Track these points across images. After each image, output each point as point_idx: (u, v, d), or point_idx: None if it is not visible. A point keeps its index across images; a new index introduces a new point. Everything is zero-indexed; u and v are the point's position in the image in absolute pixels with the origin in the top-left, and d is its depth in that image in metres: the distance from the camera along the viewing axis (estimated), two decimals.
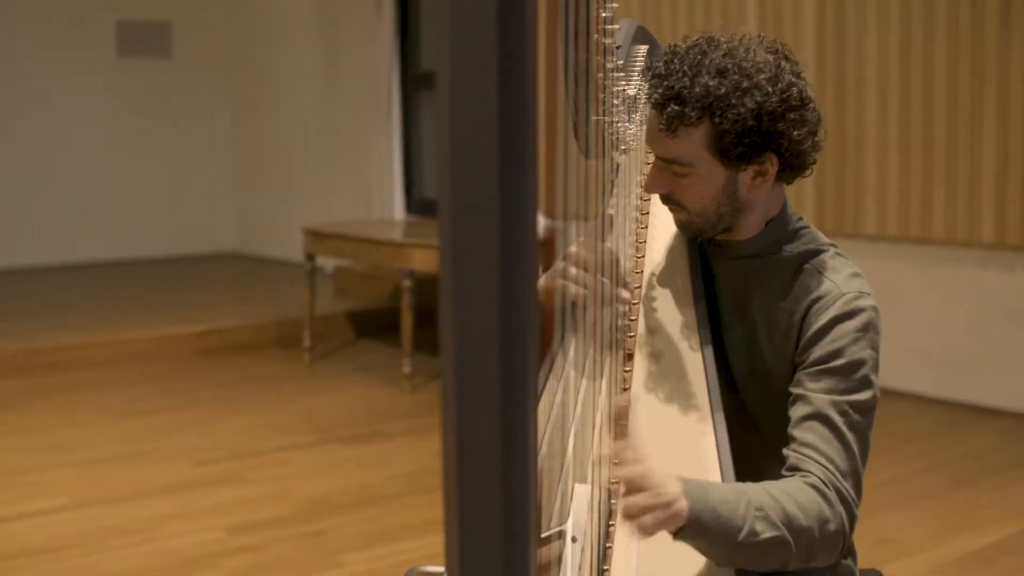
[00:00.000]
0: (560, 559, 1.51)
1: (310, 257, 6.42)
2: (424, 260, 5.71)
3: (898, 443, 4.71)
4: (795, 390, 1.68)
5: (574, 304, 1.71)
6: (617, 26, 1.72)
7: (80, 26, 9.27)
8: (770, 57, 1.69)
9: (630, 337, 1.83)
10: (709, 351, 1.77)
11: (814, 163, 1.75)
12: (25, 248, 9.15)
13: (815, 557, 1.57)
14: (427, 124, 8.33)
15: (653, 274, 1.91)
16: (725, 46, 1.69)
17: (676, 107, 1.67)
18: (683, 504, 1.44)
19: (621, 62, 1.83)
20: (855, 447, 1.61)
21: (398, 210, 8.27)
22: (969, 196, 5.20)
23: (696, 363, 1.76)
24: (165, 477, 4.42)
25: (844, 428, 1.61)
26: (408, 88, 8.32)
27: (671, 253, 1.92)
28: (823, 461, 1.59)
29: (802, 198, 5.68)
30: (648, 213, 2.05)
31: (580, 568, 1.51)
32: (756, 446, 1.81)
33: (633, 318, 1.86)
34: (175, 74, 9.76)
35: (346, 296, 7.75)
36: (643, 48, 1.97)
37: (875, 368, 1.68)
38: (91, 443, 4.91)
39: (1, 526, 3.91)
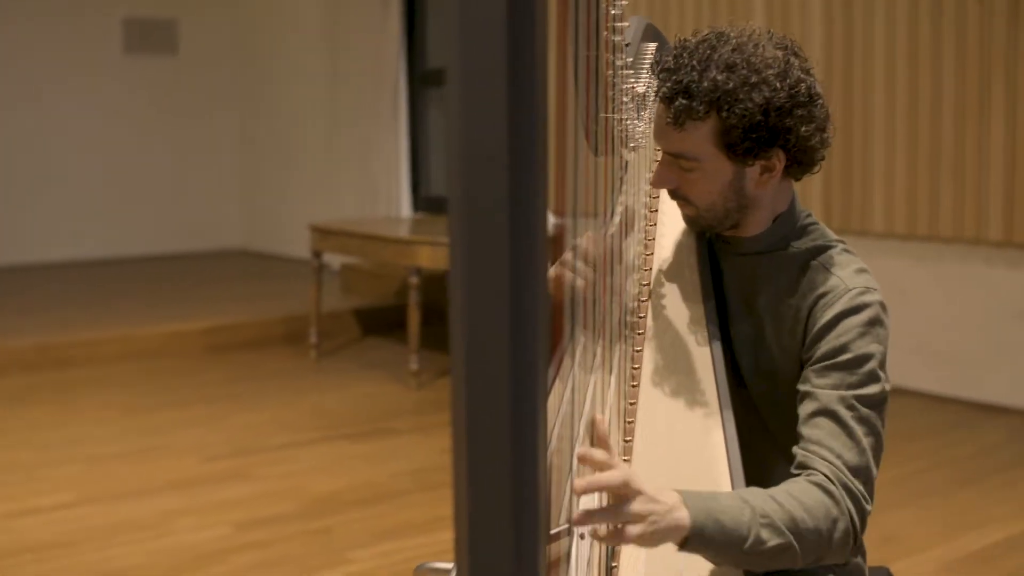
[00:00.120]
0: (569, 555, 1.51)
1: (317, 254, 6.43)
2: (431, 257, 5.71)
3: (904, 441, 4.71)
4: (802, 387, 1.68)
5: (582, 296, 1.71)
6: (626, 23, 1.72)
7: (86, 23, 9.29)
8: (779, 53, 1.69)
9: (639, 333, 1.83)
10: (718, 347, 1.77)
11: (822, 159, 1.75)
12: (32, 245, 9.17)
13: (825, 556, 1.56)
14: (434, 121, 8.33)
15: (662, 270, 1.91)
16: (734, 41, 1.69)
17: (684, 101, 1.67)
18: (683, 513, 1.42)
19: (630, 59, 1.83)
20: (864, 441, 1.60)
21: (405, 207, 8.27)
22: (977, 194, 5.19)
23: (705, 359, 1.76)
24: (172, 473, 4.43)
25: (852, 423, 1.60)
26: (415, 85, 8.32)
27: (680, 249, 1.92)
28: (830, 457, 1.58)
29: (809, 195, 5.68)
30: (657, 210, 2.05)
31: (588, 564, 1.51)
32: (763, 442, 1.81)
33: (642, 315, 1.86)
34: (181, 71, 9.77)
35: (353, 293, 7.76)
36: (652, 45, 1.97)
37: (882, 363, 1.67)
38: (98, 439, 4.92)
39: (9, 522, 3.92)
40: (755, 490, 1.53)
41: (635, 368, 1.79)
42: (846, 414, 1.61)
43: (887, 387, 1.66)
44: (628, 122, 1.83)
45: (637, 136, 1.91)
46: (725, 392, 1.71)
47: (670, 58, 1.72)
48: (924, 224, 5.40)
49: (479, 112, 0.63)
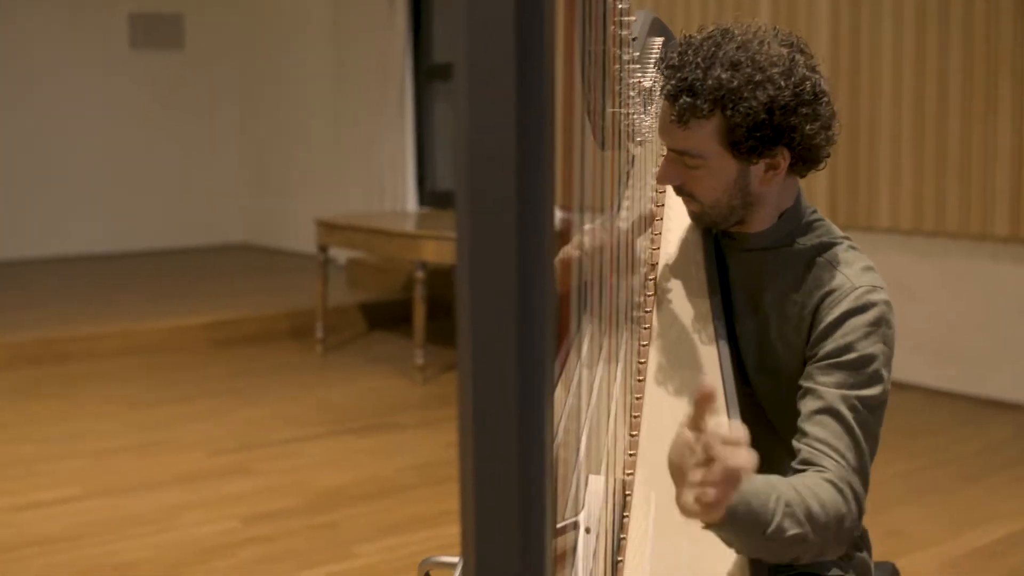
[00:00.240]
0: (575, 549, 1.51)
1: (323, 248, 6.43)
2: (437, 252, 5.71)
3: (909, 437, 4.71)
4: (805, 383, 1.68)
5: (590, 284, 1.71)
6: (633, 18, 1.71)
7: (93, 18, 9.29)
8: (784, 50, 1.68)
9: (645, 328, 1.83)
10: (724, 344, 1.76)
11: (828, 156, 1.75)
12: (36, 239, 9.18)
13: (826, 551, 1.57)
14: (439, 116, 8.33)
15: (668, 265, 1.91)
16: (739, 39, 1.68)
17: (688, 99, 1.67)
18: None
19: (637, 54, 1.83)
20: (864, 443, 1.61)
21: (411, 202, 8.27)
22: (983, 189, 5.18)
23: (711, 356, 1.76)
24: (178, 467, 4.44)
25: (854, 424, 1.61)
26: (420, 80, 8.31)
27: (686, 245, 1.92)
28: (836, 457, 1.59)
29: (815, 191, 5.67)
30: (663, 205, 2.04)
31: (594, 558, 1.51)
32: (766, 438, 1.81)
33: (648, 309, 1.86)
34: (187, 66, 9.77)
35: (358, 288, 7.76)
36: (659, 40, 1.96)
37: (887, 363, 1.67)
38: (103, 433, 4.92)
39: (14, 515, 3.93)
40: (778, 478, 1.53)
41: (641, 362, 1.79)
42: (849, 415, 1.61)
43: (888, 388, 1.67)
44: (635, 116, 1.83)
45: (644, 131, 1.91)
46: (731, 389, 1.71)
47: (675, 55, 1.72)
48: (930, 220, 5.39)
49: (487, 107, 0.63)
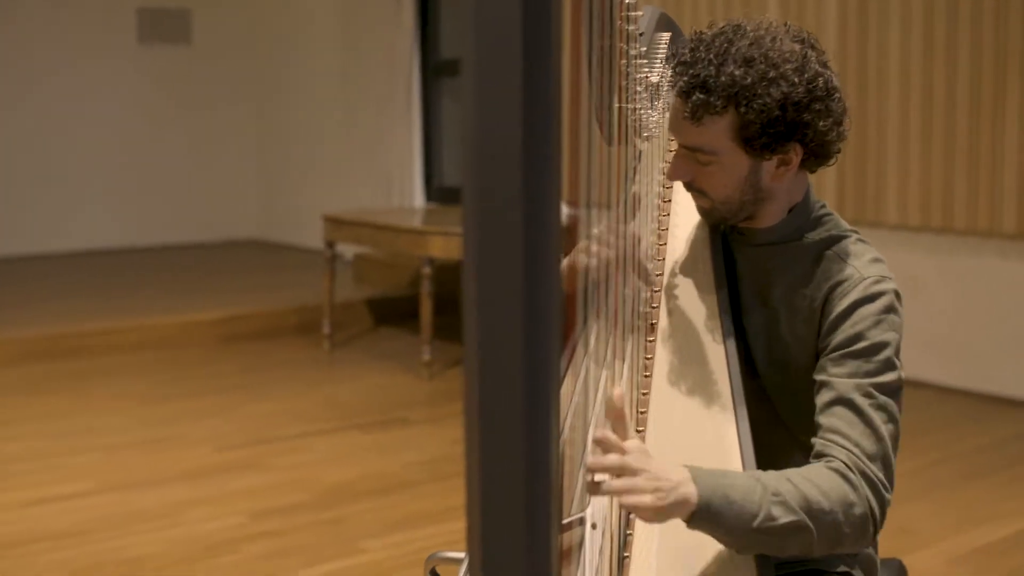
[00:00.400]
0: (580, 546, 1.51)
1: (330, 244, 6.43)
2: (444, 247, 5.71)
3: (916, 434, 4.70)
4: (819, 376, 1.68)
5: (596, 285, 1.71)
6: (640, 13, 1.71)
7: (101, 13, 9.30)
8: (796, 46, 1.68)
9: (652, 324, 1.83)
10: (732, 340, 1.76)
11: (838, 152, 1.75)
12: (45, 235, 9.19)
13: (842, 542, 1.55)
14: (447, 112, 8.32)
15: (675, 261, 1.91)
16: (751, 35, 1.68)
17: (701, 96, 1.67)
18: (691, 489, 1.43)
19: (644, 49, 1.83)
20: (882, 429, 1.60)
21: (418, 197, 8.28)
22: (991, 186, 5.17)
23: (718, 353, 1.76)
24: (187, 463, 4.44)
25: (870, 411, 1.60)
26: (428, 76, 8.31)
27: (693, 240, 1.92)
28: (848, 445, 1.58)
29: (823, 187, 5.67)
30: (670, 200, 2.04)
31: (600, 555, 1.51)
32: (776, 433, 1.81)
33: (655, 305, 1.86)
34: (195, 61, 9.78)
35: (366, 283, 7.77)
36: (666, 35, 1.96)
37: (897, 351, 1.67)
38: (113, 428, 4.93)
39: (25, 510, 3.94)
40: (769, 471, 1.54)
41: (648, 359, 1.79)
42: (863, 402, 1.61)
43: (902, 375, 1.66)
44: (642, 112, 1.83)
45: (650, 126, 1.91)
46: (739, 385, 1.71)
47: (686, 51, 1.71)
48: (937, 216, 5.38)
49: (494, 104, 0.63)
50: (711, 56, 1.67)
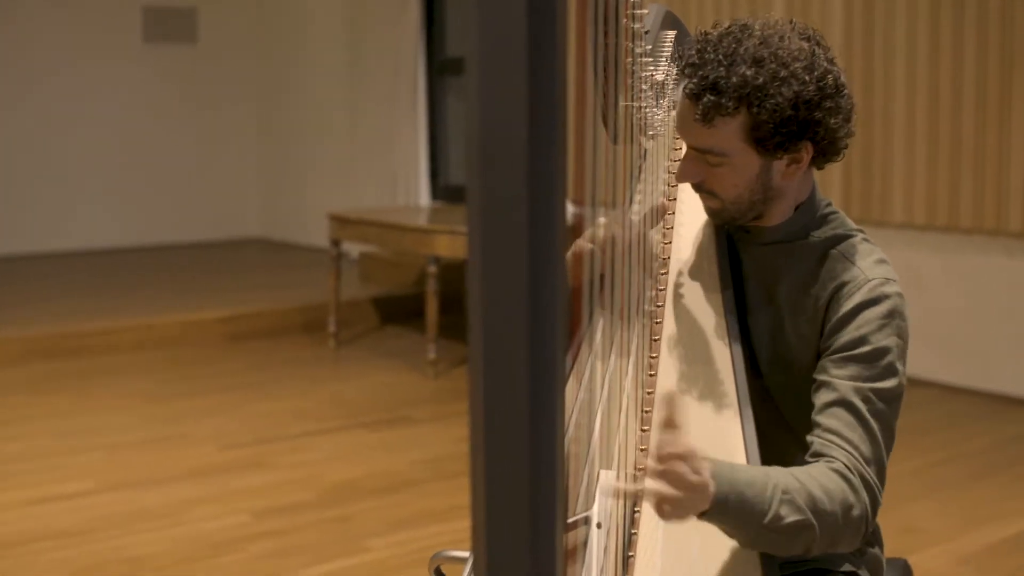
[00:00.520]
0: (585, 545, 1.51)
1: (336, 243, 6.44)
2: (449, 246, 5.71)
3: (922, 433, 4.70)
4: (819, 376, 1.68)
5: (601, 277, 1.71)
6: (645, 11, 1.71)
7: (106, 11, 9.31)
8: (804, 44, 1.68)
9: (657, 323, 1.83)
10: (737, 339, 1.76)
11: (846, 148, 1.74)
12: (50, 234, 9.20)
13: (838, 542, 1.56)
14: (453, 110, 8.32)
15: (680, 260, 1.90)
16: (759, 34, 1.67)
17: (712, 97, 1.66)
18: (711, 485, 1.44)
19: (649, 47, 1.82)
20: (879, 435, 1.61)
21: (423, 196, 8.28)
22: (997, 185, 5.16)
23: (723, 352, 1.75)
24: (191, 461, 4.45)
25: (868, 415, 1.61)
26: (433, 74, 8.31)
27: (699, 239, 1.91)
28: (847, 447, 1.58)
29: (829, 185, 5.66)
30: (676, 199, 2.04)
31: (605, 554, 1.51)
32: (780, 432, 1.81)
33: (660, 304, 1.86)
34: (201, 60, 9.78)
35: (371, 282, 7.77)
36: (671, 33, 1.96)
37: (901, 356, 1.67)
38: (118, 427, 4.94)
39: (28, 509, 3.94)
40: (777, 468, 1.54)
41: (653, 357, 1.79)
42: (862, 407, 1.61)
43: (903, 380, 1.66)
44: (647, 110, 1.82)
45: (656, 124, 1.91)
46: (744, 386, 1.71)
47: (694, 52, 1.70)
48: (944, 215, 5.37)
49: (498, 102, 0.63)
50: (720, 57, 1.66)
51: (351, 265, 7.88)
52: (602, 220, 1.74)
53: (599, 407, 1.71)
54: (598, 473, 1.59)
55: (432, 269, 5.71)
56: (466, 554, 1.90)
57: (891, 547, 2.00)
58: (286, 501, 4.01)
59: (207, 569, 3.47)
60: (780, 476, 1.51)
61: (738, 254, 1.86)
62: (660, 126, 1.94)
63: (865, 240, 1.78)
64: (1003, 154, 5.13)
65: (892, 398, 1.64)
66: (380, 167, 8.55)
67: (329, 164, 9.25)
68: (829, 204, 1.82)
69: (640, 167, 2.04)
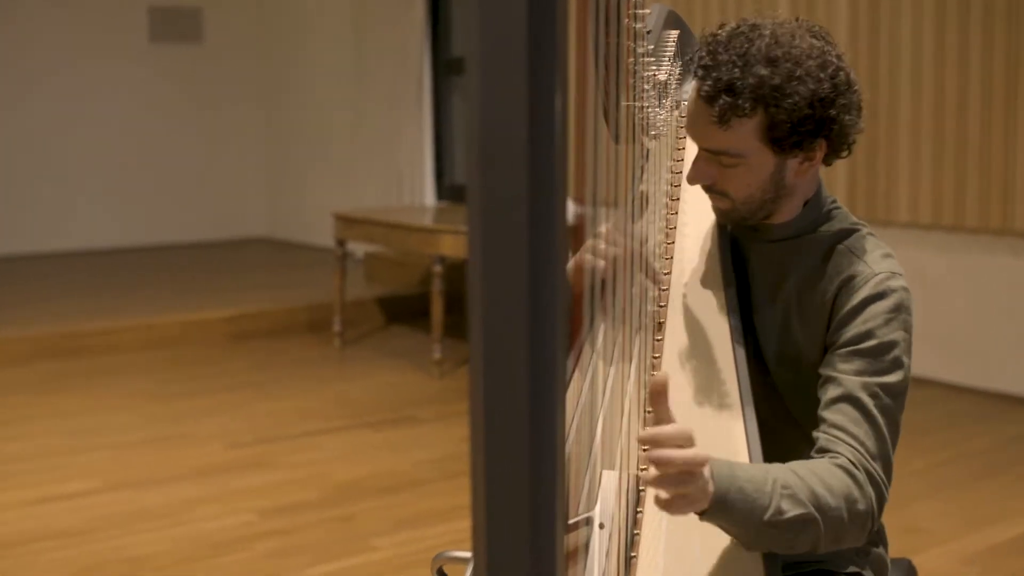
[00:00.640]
0: (588, 546, 1.51)
1: (341, 242, 6.44)
2: (455, 246, 5.71)
3: (926, 433, 4.69)
4: (825, 371, 1.67)
5: (603, 283, 1.70)
6: (648, 10, 1.70)
7: (112, 11, 9.32)
8: (815, 42, 1.67)
9: (659, 323, 1.83)
10: (740, 340, 1.76)
11: (854, 143, 1.74)
12: (56, 233, 9.21)
13: (843, 538, 1.55)
14: (458, 110, 8.32)
15: (684, 260, 1.90)
16: (770, 33, 1.67)
17: (728, 99, 1.65)
18: (710, 481, 1.43)
19: (652, 47, 1.82)
20: (885, 430, 1.60)
21: (429, 196, 8.28)
22: (1003, 184, 5.15)
23: (727, 353, 1.75)
24: (196, 461, 4.45)
25: (874, 410, 1.60)
26: (439, 74, 8.31)
27: (702, 239, 1.91)
28: (853, 443, 1.58)
29: (834, 184, 5.65)
30: (679, 199, 2.04)
31: (607, 555, 1.51)
32: (787, 429, 1.81)
33: (663, 304, 1.85)
34: (206, 60, 9.79)
35: (376, 282, 7.77)
36: (674, 33, 1.95)
37: (907, 350, 1.67)
38: (122, 427, 4.94)
39: (32, 508, 3.95)
40: (777, 464, 1.53)
41: (655, 357, 1.78)
42: (869, 402, 1.61)
43: (909, 375, 1.66)
44: (649, 110, 1.82)
45: (658, 124, 1.90)
46: (747, 386, 1.70)
47: (705, 54, 1.70)
48: (949, 214, 5.36)
49: (498, 101, 0.63)
50: (734, 57, 1.65)
51: (356, 265, 7.89)
52: (603, 229, 1.74)
53: (601, 408, 1.71)
54: (600, 474, 1.59)
55: (437, 269, 5.72)
56: (469, 554, 1.90)
57: (894, 547, 1.99)
58: (290, 501, 4.02)
59: (210, 569, 3.47)
60: (780, 472, 1.51)
61: (742, 253, 1.86)
62: (662, 126, 1.94)
63: (870, 234, 1.78)
64: (1009, 153, 5.12)
65: (898, 392, 1.64)
66: (385, 167, 8.56)
67: (334, 164, 9.26)
68: (834, 200, 1.82)
69: (642, 167, 2.03)
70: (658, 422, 1.41)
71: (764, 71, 1.63)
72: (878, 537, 1.88)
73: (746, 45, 1.66)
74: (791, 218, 1.78)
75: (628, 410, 1.71)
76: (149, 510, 3.92)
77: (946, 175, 5.35)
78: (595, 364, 1.76)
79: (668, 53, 1.90)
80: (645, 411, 1.72)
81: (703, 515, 1.45)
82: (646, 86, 1.76)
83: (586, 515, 1.53)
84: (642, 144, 1.92)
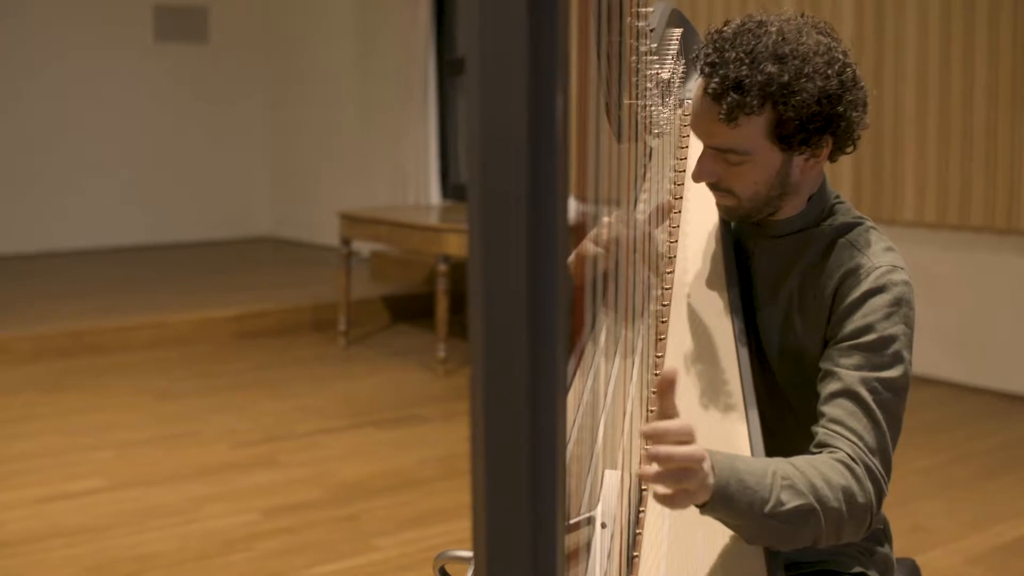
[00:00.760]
0: (589, 545, 1.51)
1: (346, 241, 6.44)
2: (459, 245, 5.71)
3: (932, 432, 4.68)
4: (825, 365, 1.67)
5: (605, 276, 1.70)
6: (651, 8, 1.70)
7: (118, 10, 9.33)
8: (821, 38, 1.67)
9: (662, 322, 1.83)
10: (743, 339, 1.75)
11: (859, 139, 1.74)
12: (63, 232, 9.23)
13: (843, 532, 1.55)
14: (463, 109, 8.32)
15: (687, 259, 1.90)
16: (776, 30, 1.66)
17: (736, 96, 1.64)
18: (710, 475, 1.43)
19: (655, 45, 1.82)
20: (884, 425, 1.60)
21: (434, 195, 8.28)
22: (1009, 183, 5.14)
23: (729, 352, 1.75)
24: (202, 459, 4.45)
25: (873, 405, 1.60)
26: (444, 73, 8.31)
27: (705, 238, 1.91)
28: (852, 437, 1.58)
29: (840, 182, 5.65)
30: (681, 197, 2.03)
31: (609, 554, 1.51)
32: (788, 425, 1.80)
33: (666, 303, 1.85)
34: (212, 59, 9.80)
35: (381, 280, 7.78)
36: (677, 31, 1.95)
37: (908, 344, 1.66)
38: (129, 425, 4.95)
39: (40, 507, 3.95)
40: (778, 458, 1.53)
41: (658, 356, 1.78)
42: (868, 396, 1.60)
43: (910, 369, 1.65)
44: (652, 108, 1.81)
45: (661, 123, 1.90)
46: (750, 385, 1.70)
47: (711, 51, 1.69)
48: (954, 213, 5.36)
49: (499, 98, 0.63)
50: (741, 55, 1.64)
51: (361, 264, 7.89)
52: (606, 220, 1.74)
53: (604, 408, 1.71)
54: (603, 474, 1.59)
55: (442, 268, 5.72)
56: (470, 554, 1.90)
57: (900, 546, 1.99)
58: (295, 499, 4.02)
59: (216, 567, 3.47)
60: (780, 464, 1.50)
61: (745, 251, 1.86)
62: (665, 124, 1.94)
63: (872, 228, 1.77)
64: (1015, 152, 5.11)
65: (898, 387, 1.63)
66: (390, 166, 8.56)
67: (339, 163, 9.26)
68: (838, 195, 1.82)
69: (645, 166, 2.03)
70: (662, 415, 1.40)
71: (772, 68, 1.63)
72: (883, 536, 1.87)
73: (753, 42, 1.65)
74: (795, 214, 1.78)
75: (630, 408, 1.71)
76: (157, 508, 3.93)
77: (952, 174, 5.34)
78: (598, 362, 1.76)
79: (671, 51, 1.90)
80: (648, 410, 1.72)
81: (704, 507, 1.44)
82: (649, 84, 1.76)
83: (588, 515, 1.53)
84: (645, 143, 1.91)
